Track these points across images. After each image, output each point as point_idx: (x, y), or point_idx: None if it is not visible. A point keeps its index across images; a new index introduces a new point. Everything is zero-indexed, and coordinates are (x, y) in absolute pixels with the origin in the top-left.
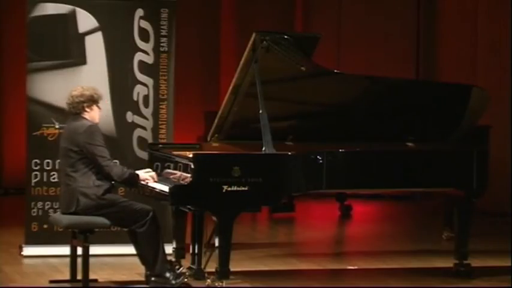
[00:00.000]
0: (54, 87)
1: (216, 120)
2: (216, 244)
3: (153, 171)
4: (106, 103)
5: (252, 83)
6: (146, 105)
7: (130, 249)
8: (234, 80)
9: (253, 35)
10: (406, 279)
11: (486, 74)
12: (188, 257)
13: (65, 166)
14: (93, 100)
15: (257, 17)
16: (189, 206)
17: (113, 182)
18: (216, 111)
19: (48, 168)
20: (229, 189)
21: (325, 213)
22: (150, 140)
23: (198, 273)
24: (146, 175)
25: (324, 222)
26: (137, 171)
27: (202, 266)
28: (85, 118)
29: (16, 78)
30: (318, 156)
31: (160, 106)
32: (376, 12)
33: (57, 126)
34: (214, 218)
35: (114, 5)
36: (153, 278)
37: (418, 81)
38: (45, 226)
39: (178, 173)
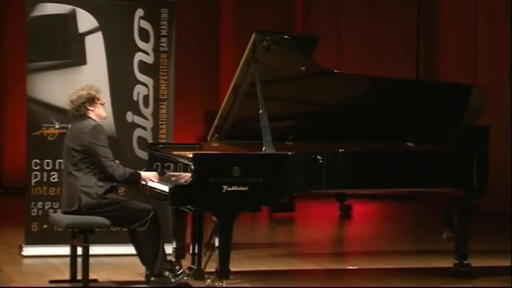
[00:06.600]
0: (54, 87)
1: (216, 120)
2: (216, 244)
3: (154, 171)
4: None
5: (252, 83)
6: (146, 105)
7: (130, 249)
8: (234, 80)
9: (253, 35)
10: (406, 279)
11: (486, 74)
12: (188, 257)
13: (68, 165)
14: (92, 97)
15: (257, 17)
16: (189, 206)
17: (114, 184)
18: (216, 111)
19: (48, 168)
20: (229, 189)
21: (325, 213)
22: (150, 140)
23: (198, 273)
24: (148, 174)
25: (324, 222)
26: (140, 171)
27: (202, 266)
28: (90, 118)
29: (16, 78)
30: (318, 156)
31: (160, 106)
32: (376, 12)
33: (57, 126)
34: (214, 218)
35: (114, 5)
36: (152, 278)
37: (418, 81)
38: (45, 226)
39: (179, 174)
